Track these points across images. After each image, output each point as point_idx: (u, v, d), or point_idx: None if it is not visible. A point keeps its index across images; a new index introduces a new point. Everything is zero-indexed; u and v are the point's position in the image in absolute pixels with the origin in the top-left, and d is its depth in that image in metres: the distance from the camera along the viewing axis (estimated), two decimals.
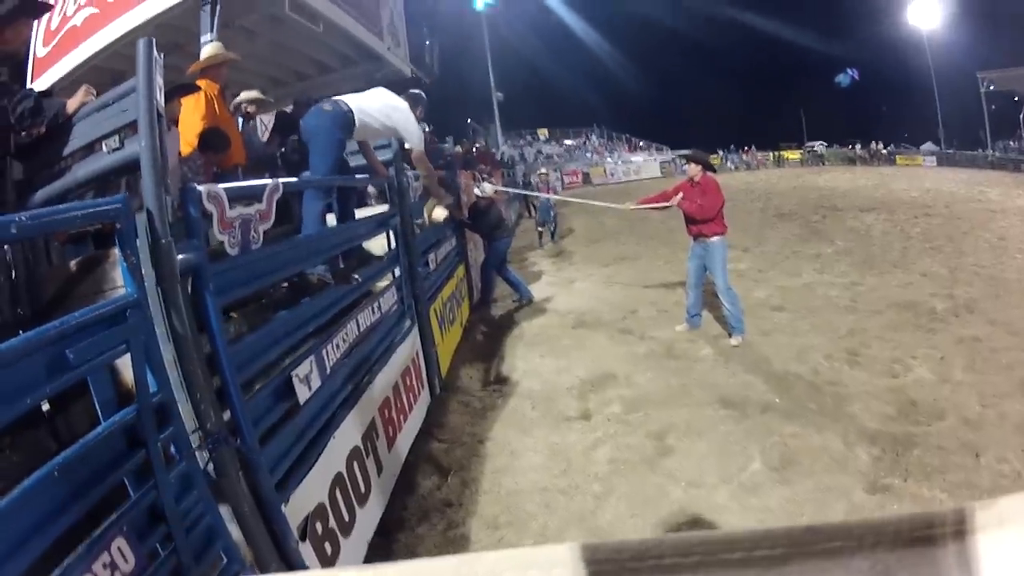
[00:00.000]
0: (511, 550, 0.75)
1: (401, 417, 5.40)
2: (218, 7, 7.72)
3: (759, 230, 17.09)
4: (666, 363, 7.92)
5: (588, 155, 47.82)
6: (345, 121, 5.84)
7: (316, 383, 3.77)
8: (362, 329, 4.85)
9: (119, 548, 2.11)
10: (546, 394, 7.18)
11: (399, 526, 4.74)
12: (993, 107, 45.38)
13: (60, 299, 3.03)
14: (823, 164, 47.66)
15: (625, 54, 60.03)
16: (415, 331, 6.41)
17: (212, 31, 7.60)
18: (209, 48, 6.75)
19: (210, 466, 2.73)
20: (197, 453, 2.62)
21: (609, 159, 46.93)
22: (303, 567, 3.16)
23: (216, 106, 6.00)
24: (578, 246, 16.69)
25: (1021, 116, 44.23)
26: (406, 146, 6.55)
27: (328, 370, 4.00)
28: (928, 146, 48.46)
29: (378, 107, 6.19)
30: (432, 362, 6.77)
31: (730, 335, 8.38)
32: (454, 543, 4.59)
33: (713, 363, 7.81)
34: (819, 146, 52.08)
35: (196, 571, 2.46)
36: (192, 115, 5.85)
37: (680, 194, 8.46)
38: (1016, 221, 16.51)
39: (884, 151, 48.30)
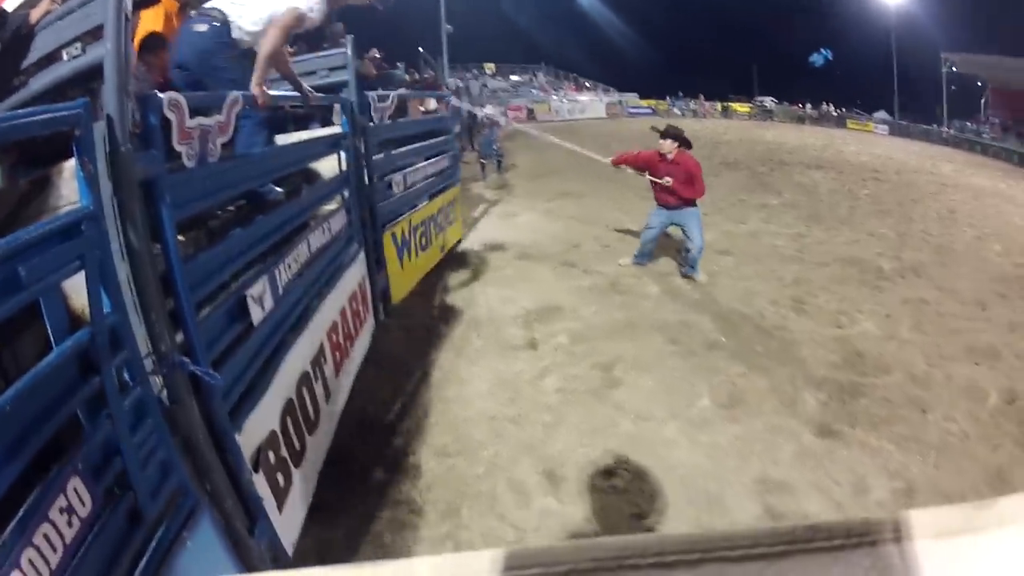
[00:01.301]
0: (438, 557, 0.76)
1: (348, 343, 5.49)
2: None
3: (705, 177, 17.13)
4: (611, 297, 8.14)
5: (533, 92, 47.98)
6: (218, 37, 5.17)
7: (269, 304, 3.80)
8: (312, 250, 4.87)
9: (75, 490, 2.04)
10: (492, 323, 7.34)
11: (349, 455, 4.75)
12: (954, 88, 46.92)
13: (11, 222, 2.79)
14: (771, 120, 48.44)
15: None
16: (362, 256, 6.42)
17: None
18: None
19: (164, 393, 2.68)
20: (151, 378, 2.57)
21: (555, 97, 47.11)
22: (257, 500, 3.17)
23: (175, 22, 5.47)
24: (521, 181, 16.78)
25: (982, 100, 45.91)
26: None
27: (280, 290, 4.02)
28: (881, 114, 49.66)
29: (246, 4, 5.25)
30: (378, 288, 6.82)
31: (686, 275, 8.78)
32: (406, 472, 4.68)
33: (658, 300, 8.06)
34: (769, 101, 52.85)
35: (152, 508, 2.43)
36: (150, 25, 5.29)
37: (669, 178, 8.69)
38: (967, 197, 17.14)
39: (835, 113, 49.42)
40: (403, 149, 8.20)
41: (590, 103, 47.28)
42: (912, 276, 9.28)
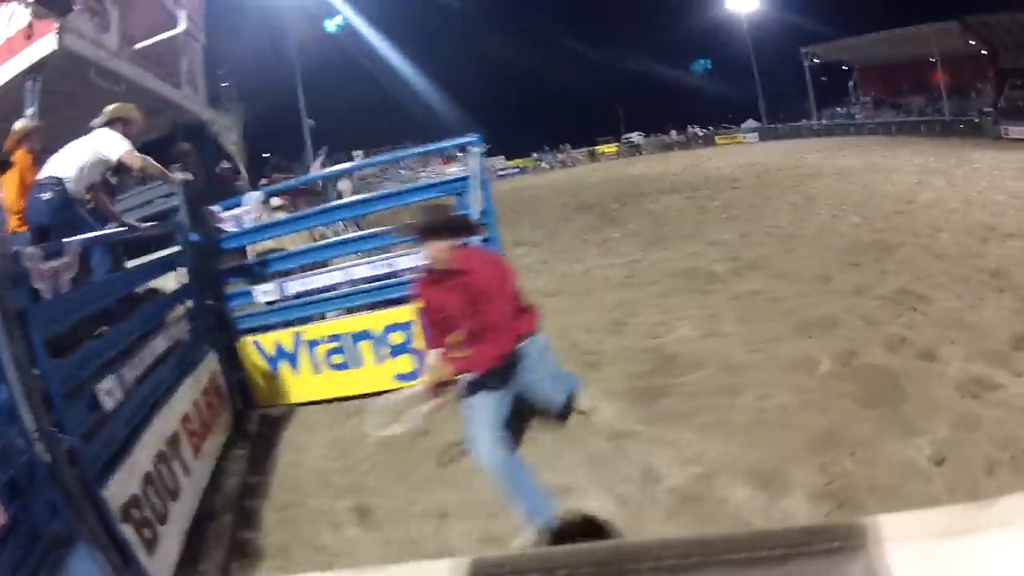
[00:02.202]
0: (393, 566, 0.84)
1: (204, 428, 6.45)
2: (39, 83, 9.84)
3: (555, 225, 18.05)
4: None
5: (402, 171, 48.46)
6: (59, 200, 6.80)
7: (119, 395, 5.02)
8: (156, 352, 6.12)
9: None
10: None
11: (211, 517, 5.61)
12: (824, 78, 49.08)
13: None
14: (639, 154, 49.74)
15: (432, 69, 61.29)
16: (213, 356, 7.41)
17: (35, 105, 9.59)
18: (17, 124, 8.04)
19: (46, 456, 3.77)
20: (36, 444, 3.71)
21: (423, 173, 47.67)
22: (126, 543, 4.17)
23: (30, 175, 7.28)
24: None
25: (850, 83, 48.11)
26: (114, 160, 7.25)
27: (127, 385, 5.25)
28: (749, 123, 51.51)
29: (75, 155, 7.06)
30: (234, 383, 7.70)
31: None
32: (251, 525, 5.50)
33: None
34: (636, 136, 54.39)
35: (46, 533, 3.57)
36: (9, 187, 7.54)
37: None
38: (830, 181, 18.03)
39: (701, 133, 51.10)
40: (273, 255, 8.28)
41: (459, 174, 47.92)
42: (748, 272, 9.83)
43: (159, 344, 6.22)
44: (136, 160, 7.21)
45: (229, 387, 7.62)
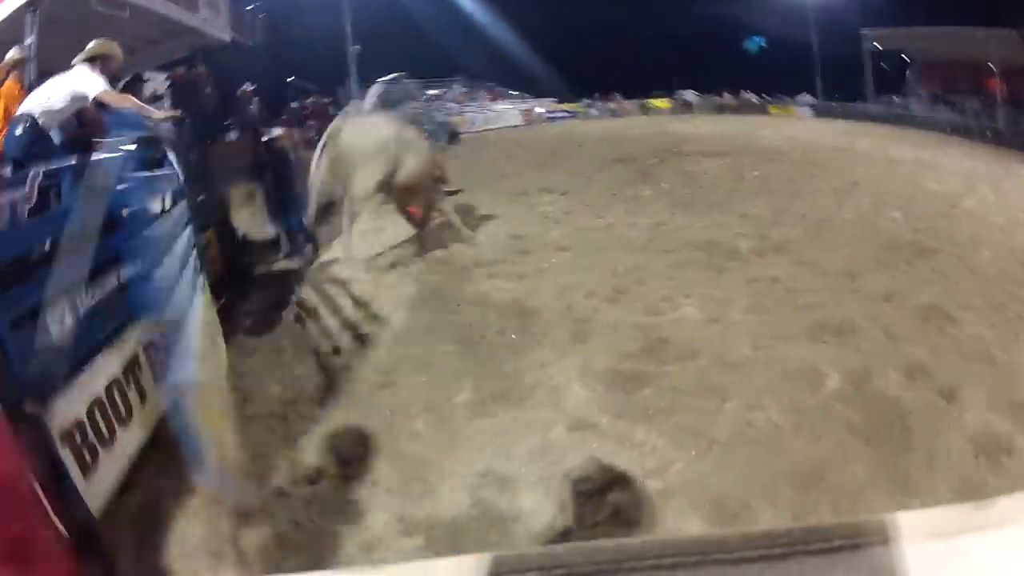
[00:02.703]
0: (417, 563, 1.34)
1: None
2: (37, 14, 9.04)
3: (589, 174, 17.04)
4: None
5: (449, 105, 47.36)
6: (29, 136, 6.73)
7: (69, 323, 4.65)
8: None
9: None
10: (300, 334, 7.58)
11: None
12: (883, 64, 47.35)
13: None
14: (691, 112, 48.60)
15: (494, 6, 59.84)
16: None
17: (33, 35, 8.96)
18: (9, 53, 8.06)
19: None
20: None
21: (470, 109, 46.64)
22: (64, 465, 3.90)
23: (15, 106, 7.26)
24: None
25: (907, 73, 46.42)
26: (90, 97, 7.12)
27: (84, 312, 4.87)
28: (804, 97, 50.04)
29: (51, 91, 7.09)
30: None
31: None
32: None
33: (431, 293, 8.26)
34: (689, 95, 53.11)
35: None
36: None
37: None
38: (877, 169, 16.89)
39: (755, 100, 49.72)
40: None
41: (505, 112, 46.91)
42: (772, 254, 8.99)
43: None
44: (112, 97, 7.24)
45: None
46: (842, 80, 48.46)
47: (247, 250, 9.87)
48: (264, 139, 10.61)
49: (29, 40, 8.89)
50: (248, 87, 13.10)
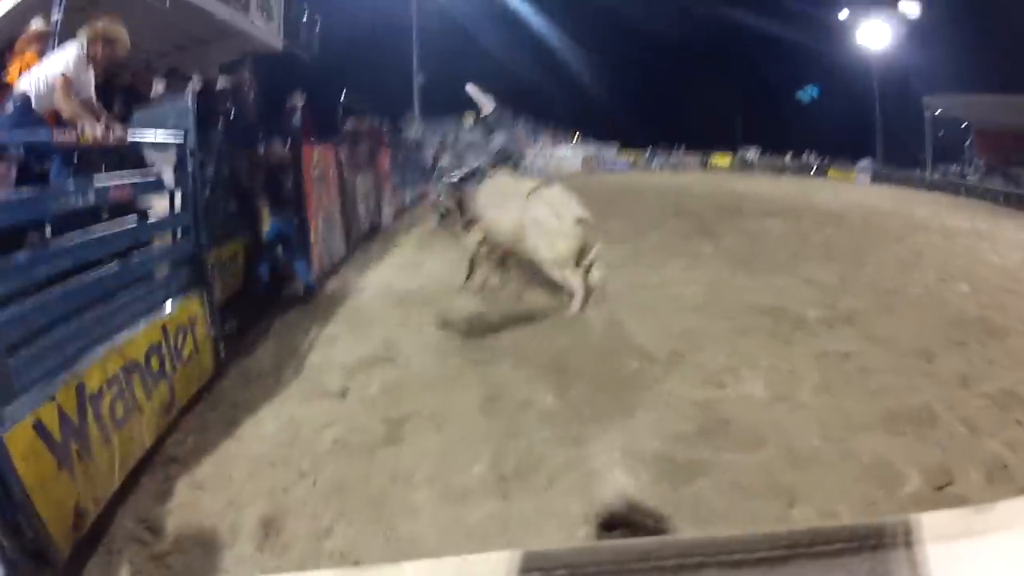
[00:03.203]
0: (448, 559, 0.86)
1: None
2: None
3: (648, 226, 16.40)
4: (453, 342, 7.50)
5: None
6: (18, 115, 6.16)
7: None
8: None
9: None
10: (318, 369, 6.86)
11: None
12: (942, 132, 46.15)
13: None
14: (751, 171, 47.72)
15: (560, 43, 58.75)
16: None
17: (60, 10, 9.15)
18: (32, 24, 7.89)
19: None
20: None
21: (531, 152, 45.95)
22: None
23: None
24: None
25: (966, 143, 45.14)
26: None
27: None
28: (864, 162, 48.97)
29: (44, 69, 6.34)
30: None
31: None
32: (162, 498, 4.56)
33: (507, 346, 7.25)
34: (751, 152, 52.22)
35: None
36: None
37: None
38: (938, 238, 16.21)
39: (816, 163, 48.74)
40: None
41: (566, 158, 46.23)
42: (842, 326, 8.06)
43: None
44: (59, 95, 6.10)
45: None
46: (903, 146, 47.42)
47: (274, 268, 9.36)
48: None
49: (56, 15, 8.89)
50: (297, 99, 12.17)
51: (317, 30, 18.25)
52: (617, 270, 10.40)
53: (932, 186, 39.95)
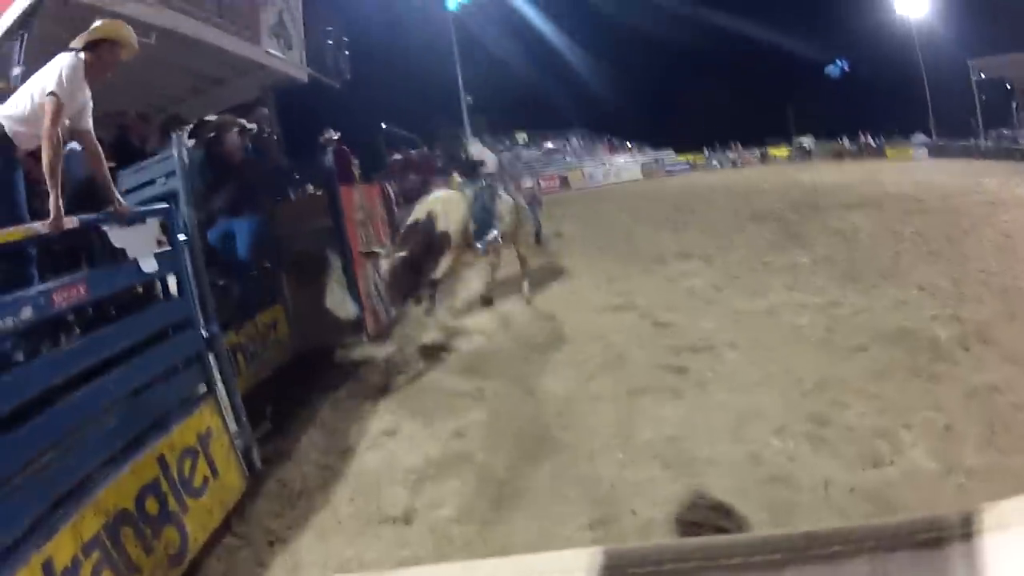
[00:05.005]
0: (518, 557, 0.78)
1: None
2: (25, 39, 7.79)
3: (728, 235, 14.69)
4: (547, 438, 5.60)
5: (567, 159, 44.96)
6: None
7: None
8: None
9: None
10: (375, 479, 5.24)
11: None
12: (984, 97, 43.44)
13: None
14: (810, 159, 45.59)
15: (604, 53, 56.92)
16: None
17: (20, 63, 7.62)
18: None
19: None
20: None
21: (588, 162, 44.36)
22: None
23: None
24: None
25: (1014, 104, 42.27)
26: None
27: None
28: (919, 137, 46.50)
29: (23, 90, 4.64)
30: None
31: None
32: None
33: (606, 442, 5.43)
34: (807, 141, 49.87)
35: None
36: None
37: None
38: (1020, 214, 14.48)
39: (873, 144, 46.32)
40: None
41: (625, 165, 44.63)
42: (977, 344, 6.53)
43: None
44: (47, 123, 4.29)
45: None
46: (951, 115, 44.57)
47: (324, 330, 7.78)
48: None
49: (16, 71, 7.37)
50: (331, 134, 10.34)
51: (347, 54, 16.35)
52: (717, 295, 9.10)
53: (988, 153, 37.48)
